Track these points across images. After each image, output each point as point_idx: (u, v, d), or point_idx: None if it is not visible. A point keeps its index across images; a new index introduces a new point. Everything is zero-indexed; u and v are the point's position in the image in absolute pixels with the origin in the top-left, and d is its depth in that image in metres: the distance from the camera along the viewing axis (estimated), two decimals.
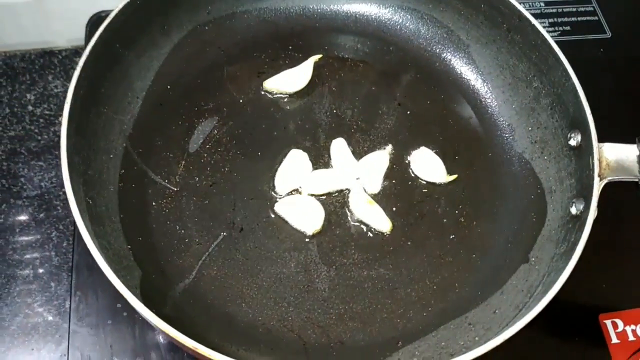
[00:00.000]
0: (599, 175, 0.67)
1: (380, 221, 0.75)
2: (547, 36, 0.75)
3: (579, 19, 1.06)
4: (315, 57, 0.86)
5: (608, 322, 0.79)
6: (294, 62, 0.86)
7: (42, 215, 0.82)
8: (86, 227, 0.60)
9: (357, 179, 0.77)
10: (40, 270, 0.79)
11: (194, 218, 0.74)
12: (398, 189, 0.78)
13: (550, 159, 0.77)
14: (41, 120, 0.90)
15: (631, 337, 0.79)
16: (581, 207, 0.68)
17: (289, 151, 0.79)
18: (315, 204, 0.75)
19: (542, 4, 1.07)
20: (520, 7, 0.79)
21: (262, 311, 0.69)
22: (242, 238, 0.73)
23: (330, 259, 0.73)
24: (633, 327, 0.79)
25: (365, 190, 0.77)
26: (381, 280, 0.72)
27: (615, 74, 1.01)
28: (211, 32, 0.86)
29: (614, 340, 0.78)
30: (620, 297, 0.82)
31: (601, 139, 0.69)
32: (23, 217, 0.82)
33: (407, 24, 0.89)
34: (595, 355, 0.77)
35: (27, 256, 0.79)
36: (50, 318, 0.76)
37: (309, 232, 0.74)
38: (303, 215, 0.74)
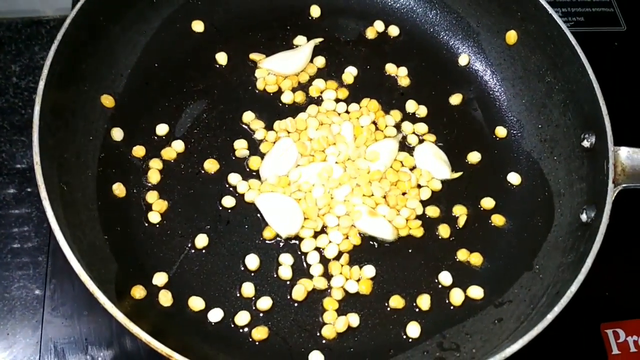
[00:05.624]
0: (614, 182, 0.62)
1: (385, 231, 0.70)
2: (565, 28, 0.71)
3: (594, 9, 1.03)
4: (316, 41, 0.82)
5: (609, 332, 0.77)
6: (292, 44, 0.82)
7: (23, 193, 0.79)
8: (57, 217, 0.56)
9: (355, 178, 0.72)
10: (19, 253, 0.75)
11: (178, 208, 0.70)
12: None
13: (561, 159, 0.73)
14: (25, 93, 0.86)
15: (632, 349, 0.76)
16: (592, 214, 0.64)
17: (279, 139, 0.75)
18: (295, 208, 0.70)
19: None
20: None
21: (245, 312, 0.65)
22: (228, 232, 0.69)
23: (323, 261, 0.69)
24: (635, 337, 0.77)
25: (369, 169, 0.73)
26: (375, 285, 0.68)
27: (630, 69, 0.97)
28: (204, 8, 0.81)
29: (615, 351, 0.76)
30: (624, 306, 0.79)
31: (616, 142, 0.65)
32: (3, 195, 0.78)
33: (414, 8, 0.85)
34: None
35: (5, 237, 0.76)
36: (27, 303, 0.72)
37: (283, 235, 0.69)
38: (280, 215, 0.69)
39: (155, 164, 0.72)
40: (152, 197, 0.70)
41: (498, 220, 0.73)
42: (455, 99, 0.80)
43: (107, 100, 0.72)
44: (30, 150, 0.81)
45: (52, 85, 0.63)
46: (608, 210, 0.61)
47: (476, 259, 0.70)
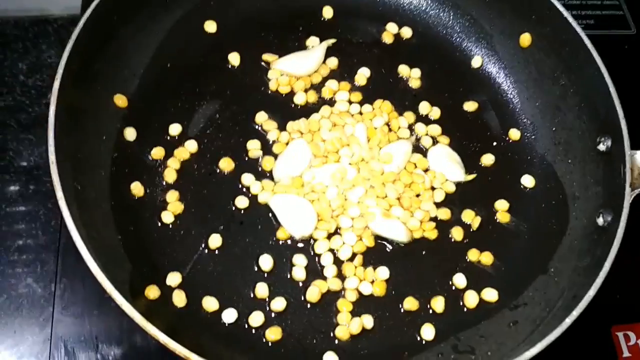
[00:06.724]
0: (631, 186, 0.62)
1: (399, 233, 0.70)
2: (580, 30, 0.71)
3: (604, 12, 1.02)
4: (329, 41, 0.81)
5: (620, 335, 0.77)
6: (305, 45, 0.82)
7: (30, 191, 0.78)
8: (73, 217, 0.56)
9: (369, 179, 0.72)
10: (26, 251, 0.75)
11: (191, 208, 0.69)
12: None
13: (575, 162, 0.73)
14: (33, 91, 0.85)
15: None
16: (609, 218, 0.64)
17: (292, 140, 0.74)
18: (309, 209, 0.69)
19: None
20: None
21: (259, 312, 0.65)
22: (242, 232, 0.69)
23: (336, 263, 0.68)
24: None
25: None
26: (389, 286, 0.68)
27: None
28: (217, 8, 0.81)
29: (626, 353, 0.75)
30: (635, 309, 0.78)
31: (632, 146, 0.65)
32: (9, 193, 0.78)
33: (427, 10, 0.85)
34: None
35: (12, 235, 0.75)
36: (34, 301, 0.72)
37: (297, 236, 0.69)
38: (294, 216, 0.69)
39: (173, 164, 0.71)
40: (171, 196, 0.69)
41: (503, 217, 0.73)
42: (470, 106, 0.80)
43: (120, 100, 0.72)
44: (37, 148, 0.80)
45: (67, 85, 0.63)
46: (625, 214, 0.61)
47: (487, 258, 0.70)
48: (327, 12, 0.83)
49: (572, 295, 0.60)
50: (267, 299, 0.66)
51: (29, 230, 0.76)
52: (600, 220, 0.66)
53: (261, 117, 0.76)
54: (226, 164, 0.72)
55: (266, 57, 0.80)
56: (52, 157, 0.58)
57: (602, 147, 0.69)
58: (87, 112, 0.68)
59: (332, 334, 0.64)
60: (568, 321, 0.56)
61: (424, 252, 0.70)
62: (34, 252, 0.74)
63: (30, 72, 0.86)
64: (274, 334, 0.63)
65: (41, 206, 0.77)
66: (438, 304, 0.67)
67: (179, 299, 0.64)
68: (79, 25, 0.66)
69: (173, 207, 0.69)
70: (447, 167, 0.74)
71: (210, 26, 0.80)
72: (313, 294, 0.66)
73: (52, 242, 0.75)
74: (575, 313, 0.57)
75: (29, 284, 0.73)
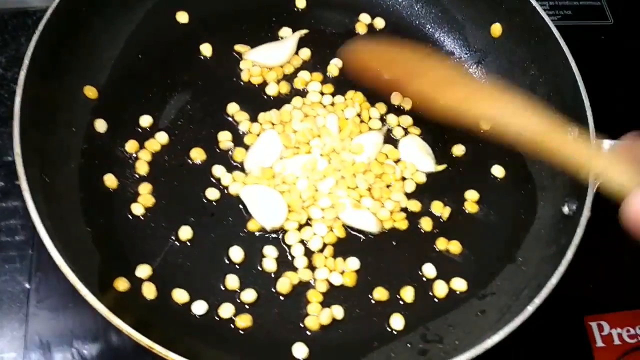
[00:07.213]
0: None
1: (369, 224, 0.70)
2: (549, 21, 0.71)
3: (581, 3, 1.03)
4: (301, 32, 0.81)
5: (594, 325, 0.77)
6: (277, 35, 0.81)
7: (9, 185, 0.78)
8: (38, 209, 0.56)
9: (339, 171, 0.72)
10: (6, 246, 0.74)
11: (162, 200, 0.69)
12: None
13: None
14: (12, 84, 0.84)
15: (617, 341, 0.76)
16: (574, 207, 0.64)
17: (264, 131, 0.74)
18: (279, 200, 0.69)
19: None
20: None
21: (229, 304, 0.65)
22: (212, 224, 0.69)
23: (307, 254, 0.69)
24: (619, 330, 0.77)
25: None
26: (359, 277, 0.68)
27: (616, 62, 0.97)
28: None
29: (599, 343, 0.76)
30: (608, 299, 0.79)
31: (600, 134, 0.65)
32: None
33: (400, 0, 0.85)
34: (579, 359, 0.75)
35: None
36: (14, 296, 0.71)
37: (268, 227, 0.69)
38: (264, 208, 0.69)
39: (144, 155, 0.71)
40: (142, 189, 0.69)
41: (472, 207, 0.73)
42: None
43: (90, 92, 0.72)
44: None
45: (34, 76, 0.63)
46: (589, 203, 0.61)
47: (455, 247, 0.70)
48: (300, 3, 0.83)
49: (537, 283, 0.61)
50: (237, 291, 0.66)
51: (8, 225, 0.75)
52: (565, 209, 0.66)
53: (233, 108, 0.76)
54: (197, 154, 0.72)
55: (238, 47, 0.80)
56: (17, 149, 0.58)
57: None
58: (56, 103, 0.68)
59: (302, 325, 0.65)
60: (530, 309, 0.57)
61: (394, 243, 0.70)
62: (15, 248, 0.74)
63: (9, 64, 0.85)
64: (243, 320, 0.63)
65: (21, 201, 0.75)
66: (408, 294, 0.67)
67: (149, 290, 0.64)
68: (46, 15, 0.66)
69: (143, 200, 0.69)
70: (418, 158, 0.75)
71: (182, 17, 0.80)
72: (284, 285, 0.66)
73: (32, 237, 0.74)
74: (537, 301, 0.57)
75: (9, 279, 0.72)
